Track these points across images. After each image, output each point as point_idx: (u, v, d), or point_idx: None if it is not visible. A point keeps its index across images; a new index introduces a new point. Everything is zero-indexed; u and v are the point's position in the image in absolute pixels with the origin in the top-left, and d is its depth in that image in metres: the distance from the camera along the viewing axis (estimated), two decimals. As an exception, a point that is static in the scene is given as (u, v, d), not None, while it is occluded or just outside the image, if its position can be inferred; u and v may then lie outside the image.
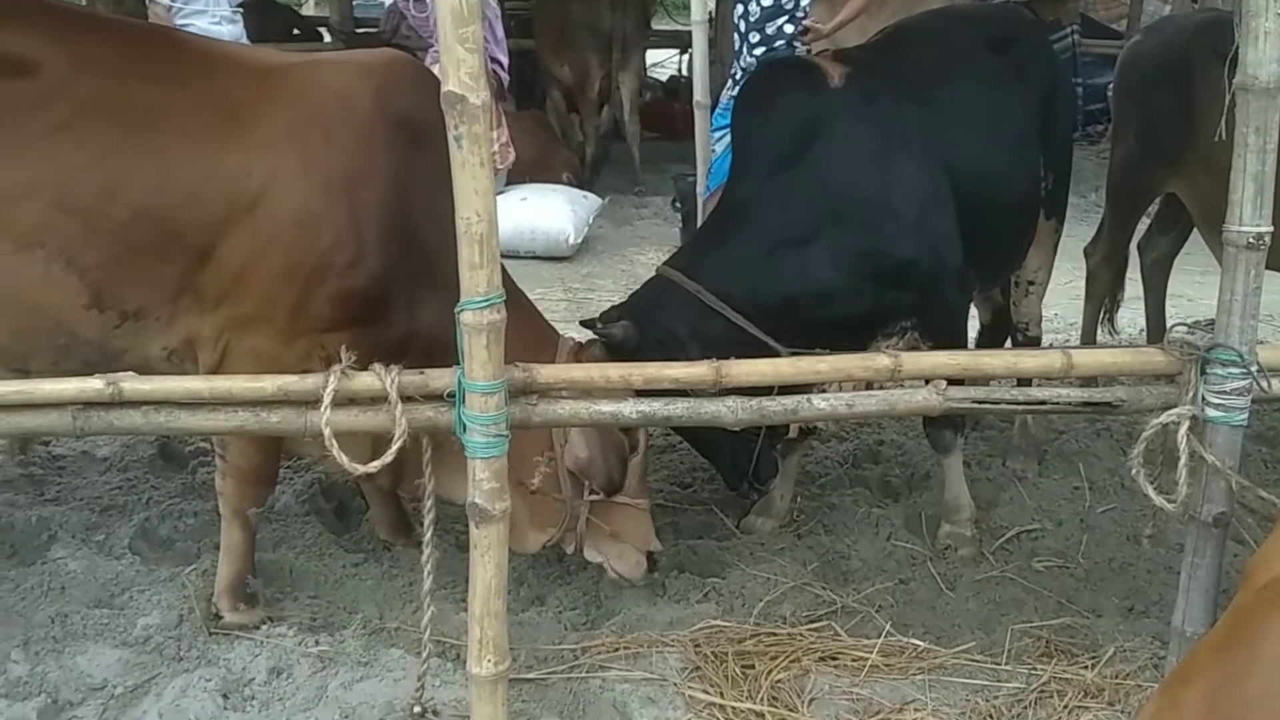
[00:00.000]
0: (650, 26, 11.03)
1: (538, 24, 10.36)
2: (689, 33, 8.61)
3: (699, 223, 7.30)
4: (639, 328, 3.49)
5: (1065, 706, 3.08)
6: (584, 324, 3.66)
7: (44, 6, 3.24)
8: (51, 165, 2.99)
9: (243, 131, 3.11)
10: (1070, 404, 2.97)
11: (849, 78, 3.75)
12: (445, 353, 2.97)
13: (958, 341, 3.80)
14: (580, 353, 3.44)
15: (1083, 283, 5.50)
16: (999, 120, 3.98)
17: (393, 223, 3.17)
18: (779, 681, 3.17)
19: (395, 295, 3.22)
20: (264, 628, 3.37)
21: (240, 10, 6.72)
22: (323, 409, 2.66)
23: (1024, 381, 3.87)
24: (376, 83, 3.29)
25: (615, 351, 3.47)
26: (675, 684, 3.15)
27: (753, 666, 3.23)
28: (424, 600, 2.86)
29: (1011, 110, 4.04)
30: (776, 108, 3.80)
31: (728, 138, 6.77)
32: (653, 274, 3.79)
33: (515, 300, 3.42)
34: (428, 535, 2.85)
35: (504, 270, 3.35)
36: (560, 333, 3.57)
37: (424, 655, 2.91)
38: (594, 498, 3.41)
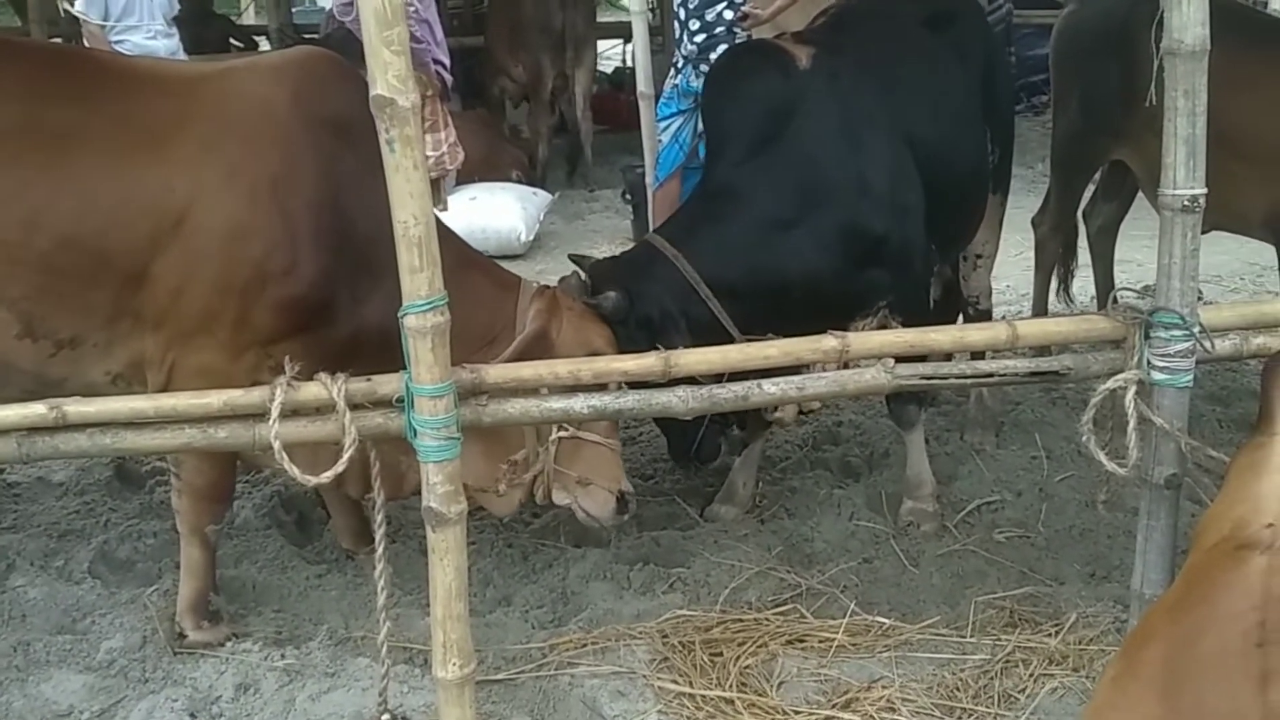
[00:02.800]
0: (596, 20, 10.99)
1: (491, 24, 10.34)
2: (629, 23, 8.62)
3: (649, 215, 7.32)
4: (629, 300, 3.47)
5: (1031, 675, 3.11)
6: (571, 258, 3.71)
7: None
8: None
9: (160, 148, 3.04)
10: (1018, 374, 2.99)
11: (815, 59, 3.78)
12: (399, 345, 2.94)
13: (925, 317, 3.83)
14: (542, 295, 3.38)
15: (1032, 253, 5.54)
16: (947, 97, 4.03)
17: (326, 223, 3.12)
18: (747, 667, 3.18)
19: (338, 296, 3.17)
20: (229, 644, 3.35)
21: (175, 23, 6.66)
22: (271, 422, 2.64)
23: (976, 354, 3.90)
24: (293, 83, 3.24)
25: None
26: (644, 676, 3.15)
27: (720, 654, 3.24)
28: (380, 614, 2.84)
29: (956, 86, 4.09)
30: (749, 91, 3.81)
31: (673, 127, 6.78)
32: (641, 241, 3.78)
33: (467, 256, 3.42)
34: (380, 549, 2.83)
35: (451, 232, 3.33)
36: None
37: (384, 670, 2.89)
38: (561, 435, 3.31)
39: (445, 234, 3.05)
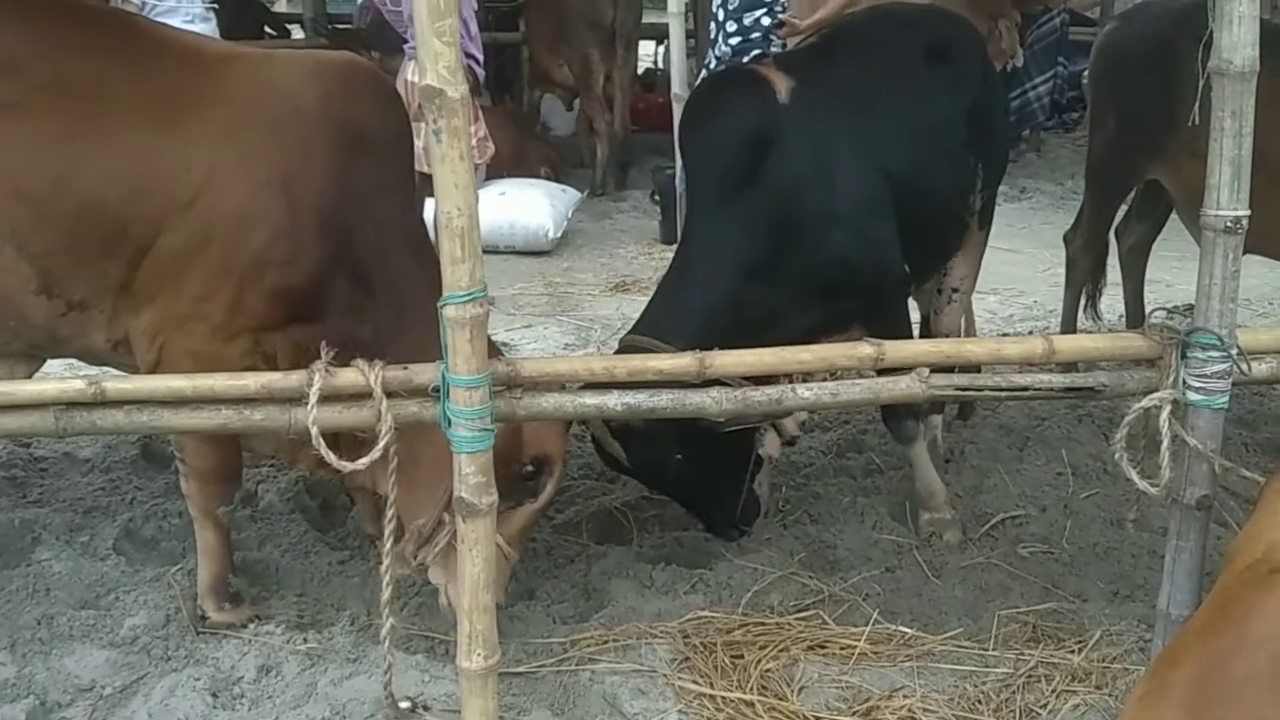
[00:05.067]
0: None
1: (529, 25, 10.12)
2: (665, 24, 8.62)
3: (677, 216, 7.32)
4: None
5: (1053, 690, 3.09)
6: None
7: None
8: (4, 146, 2.97)
9: (187, 124, 3.08)
10: (1052, 389, 2.99)
11: (794, 92, 3.74)
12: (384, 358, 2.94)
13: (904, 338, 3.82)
14: None
15: (1061, 270, 5.53)
16: (933, 128, 3.97)
17: (329, 225, 3.14)
18: (768, 671, 3.18)
19: (330, 297, 3.19)
20: (251, 626, 3.37)
21: (213, 8, 6.69)
22: (309, 406, 2.65)
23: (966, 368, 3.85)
24: (326, 86, 3.28)
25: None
26: (665, 675, 3.15)
27: (742, 656, 3.23)
28: (383, 609, 2.83)
29: (944, 118, 4.02)
30: (726, 127, 3.78)
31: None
32: (620, 346, 3.68)
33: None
34: (387, 546, 2.83)
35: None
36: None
37: (386, 665, 2.89)
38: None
39: None
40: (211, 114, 3.10)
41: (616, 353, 3.68)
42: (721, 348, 3.37)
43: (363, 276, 3.21)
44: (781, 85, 3.76)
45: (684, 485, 3.79)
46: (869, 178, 3.73)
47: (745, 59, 6.18)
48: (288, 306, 3.13)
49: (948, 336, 4.44)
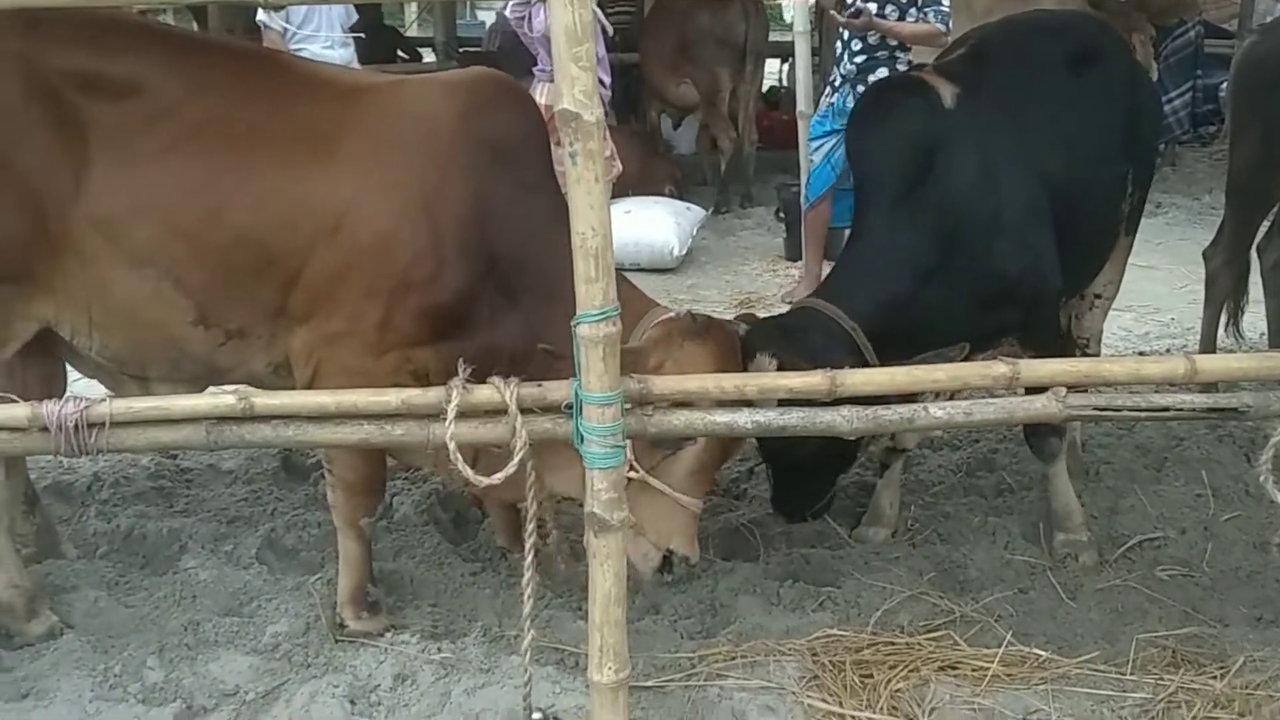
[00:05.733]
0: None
1: (646, 43, 10.14)
2: (790, 42, 8.63)
3: (802, 232, 7.32)
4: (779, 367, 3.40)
5: (1194, 718, 3.02)
6: (739, 318, 3.72)
7: (152, 29, 3.39)
8: (161, 185, 3.12)
9: (330, 154, 3.19)
10: (1195, 410, 2.91)
11: (958, 98, 3.77)
12: (528, 368, 3.00)
13: (1057, 352, 3.77)
14: (664, 325, 3.24)
15: (1198, 286, 5.39)
16: (1085, 137, 3.95)
17: (473, 240, 3.22)
18: (898, 691, 3.15)
19: (476, 311, 3.26)
20: (388, 635, 3.45)
21: (357, 37, 6.90)
22: (447, 422, 2.72)
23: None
24: (460, 103, 3.35)
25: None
26: (794, 693, 3.15)
27: (871, 675, 3.21)
28: (525, 621, 2.88)
29: (1095, 126, 4.00)
30: (896, 132, 3.81)
31: (825, 147, 6.76)
32: (799, 305, 3.78)
33: None
34: (529, 557, 2.87)
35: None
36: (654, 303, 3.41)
37: (526, 677, 2.94)
38: (630, 475, 3.00)
39: None
40: (352, 143, 3.21)
41: (789, 312, 3.74)
42: (887, 339, 3.47)
43: (510, 286, 3.27)
44: (946, 92, 3.78)
45: (800, 464, 3.73)
46: (1030, 186, 3.74)
47: (870, 76, 6.19)
48: (435, 323, 3.22)
49: (1089, 342, 4.42)
